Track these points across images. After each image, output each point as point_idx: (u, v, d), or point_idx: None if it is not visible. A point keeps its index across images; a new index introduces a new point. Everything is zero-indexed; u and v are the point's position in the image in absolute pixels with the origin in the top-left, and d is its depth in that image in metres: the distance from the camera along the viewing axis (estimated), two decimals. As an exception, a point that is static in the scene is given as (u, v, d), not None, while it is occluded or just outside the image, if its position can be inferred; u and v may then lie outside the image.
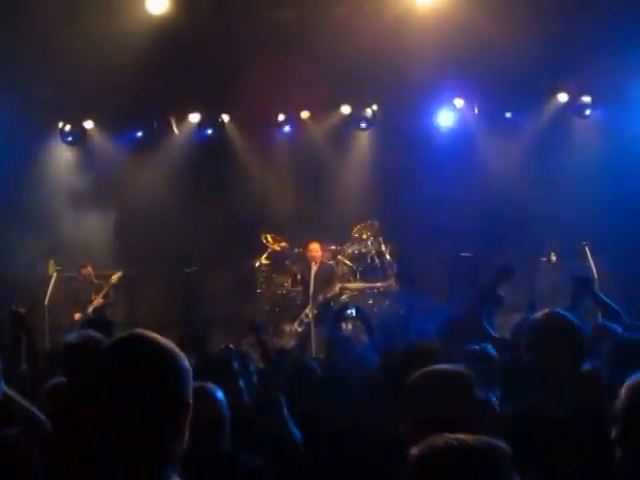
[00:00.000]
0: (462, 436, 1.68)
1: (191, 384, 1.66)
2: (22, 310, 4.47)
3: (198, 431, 2.44)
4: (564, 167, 9.78)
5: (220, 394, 3.05)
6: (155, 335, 1.67)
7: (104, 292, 9.85)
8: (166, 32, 8.38)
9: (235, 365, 3.96)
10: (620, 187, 9.31)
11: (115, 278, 9.92)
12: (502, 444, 1.70)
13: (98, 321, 6.34)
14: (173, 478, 1.61)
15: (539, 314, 3.14)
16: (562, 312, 3.14)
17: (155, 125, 10.90)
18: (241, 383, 3.92)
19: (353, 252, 9.99)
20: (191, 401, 1.64)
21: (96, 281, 9.96)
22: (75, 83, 9.01)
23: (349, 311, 8.29)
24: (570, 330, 2.99)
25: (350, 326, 8.76)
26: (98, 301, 9.78)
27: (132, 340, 1.66)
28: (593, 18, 8.04)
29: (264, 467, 3.03)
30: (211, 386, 3.05)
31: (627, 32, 8.13)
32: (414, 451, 1.70)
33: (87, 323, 5.45)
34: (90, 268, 9.97)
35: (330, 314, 8.08)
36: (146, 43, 8.44)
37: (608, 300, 4.92)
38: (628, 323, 4.72)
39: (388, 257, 9.91)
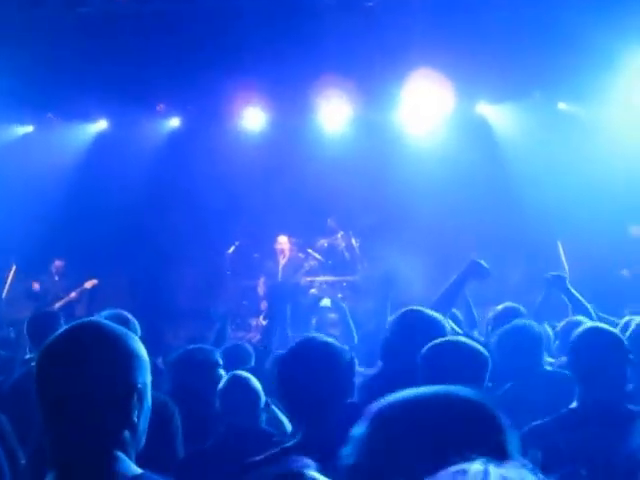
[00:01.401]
0: None
1: (142, 368, 1.60)
2: None
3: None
4: (536, 163, 9.73)
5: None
6: (105, 321, 1.67)
7: (74, 293, 9.73)
8: (133, 18, 8.18)
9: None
10: (590, 182, 9.26)
11: (89, 284, 9.83)
12: None
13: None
14: (122, 464, 1.54)
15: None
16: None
17: (119, 116, 10.65)
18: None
19: (323, 245, 9.91)
20: (140, 385, 1.57)
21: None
22: (37, 72, 8.74)
23: (324, 302, 8.17)
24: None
25: (315, 320, 8.65)
26: (67, 299, 9.65)
27: (79, 326, 1.64)
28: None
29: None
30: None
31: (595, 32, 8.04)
32: None
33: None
34: (62, 262, 9.93)
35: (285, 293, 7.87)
36: (112, 29, 8.23)
37: (579, 297, 4.90)
38: (598, 318, 4.73)
39: (357, 252, 9.86)
